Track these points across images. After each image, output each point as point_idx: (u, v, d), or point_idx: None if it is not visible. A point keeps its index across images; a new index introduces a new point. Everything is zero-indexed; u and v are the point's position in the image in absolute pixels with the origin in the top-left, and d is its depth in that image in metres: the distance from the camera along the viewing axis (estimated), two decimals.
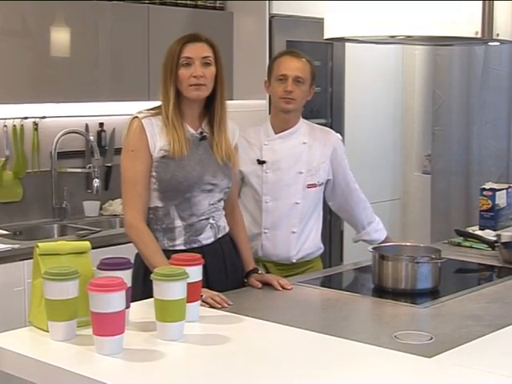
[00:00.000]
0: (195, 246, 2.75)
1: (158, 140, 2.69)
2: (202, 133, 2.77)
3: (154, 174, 2.70)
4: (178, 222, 2.74)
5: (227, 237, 2.86)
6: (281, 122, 3.19)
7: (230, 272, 2.84)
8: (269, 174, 3.16)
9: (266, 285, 2.81)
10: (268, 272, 3.12)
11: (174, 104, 2.70)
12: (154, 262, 2.55)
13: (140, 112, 2.74)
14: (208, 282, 2.69)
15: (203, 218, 2.76)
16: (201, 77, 2.67)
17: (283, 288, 2.78)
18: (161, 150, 2.69)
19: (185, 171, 2.70)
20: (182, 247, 2.73)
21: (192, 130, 2.75)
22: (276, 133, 3.19)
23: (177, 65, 2.69)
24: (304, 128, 3.23)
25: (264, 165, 3.16)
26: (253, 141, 3.19)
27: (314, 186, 3.20)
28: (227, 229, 2.86)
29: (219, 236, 2.82)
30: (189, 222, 2.74)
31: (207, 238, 2.78)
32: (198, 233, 2.76)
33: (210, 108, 2.77)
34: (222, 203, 2.83)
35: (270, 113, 3.34)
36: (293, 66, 3.10)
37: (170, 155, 2.68)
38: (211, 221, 2.78)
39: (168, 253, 2.63)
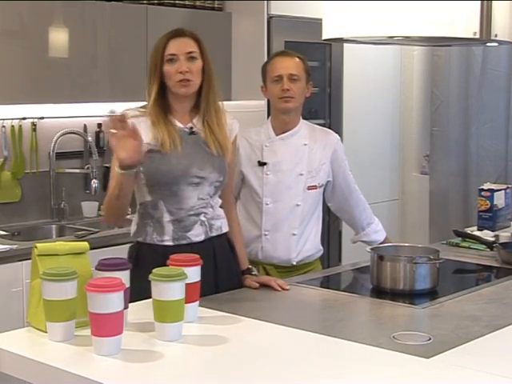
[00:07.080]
0: (184, 242, 2.69)
1: (143, 137, 2.58)
2: (191, 128, 2.74)
3: (141, 169, 2.66)
4: (167, 216, 2.69)
5: (223, 238, 2.81)
6: (281, 123, 3.18)
7: (221, 274, 2.76)
8: (269, 176, 3.16)
9: (263, 286, 2.79)
10: (268, 274, 3.11)
11: (155, 100, 2.70)
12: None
13: (129, 109, 2.71)
14: None
15: (192, 213, 2.71)
16: (186, 72, 2.67)
17: (282, 289, 2.76)
18: (146, 144, 2.63)
19: (170, 164, 2.66)
20: (170, 243, 2.68)
21: (180, 125, 2.73)
22: (276, 134, 3.19)
23: (161, 61, 2.69)
24: (304, 129, 3.23)
25: (265, 166, 3.15)
26: (253, 142, 3.18)
27: (314, 187, 3.20)
28: (224, 229, 2.80)
29: (212, 235, 2.75)
30: (177, 217, 2.70)
31: (197, 235, 2.72)
32: (187, 229, 2.70)
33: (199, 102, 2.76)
34: (215, 200, 2.77)
35: (269, 115, 3.34)
36: (286, 65, 3.11)
37: (160, 149, 2.65)
38: (202, 217, 2.72)
39: (157, 248, 2.65)
